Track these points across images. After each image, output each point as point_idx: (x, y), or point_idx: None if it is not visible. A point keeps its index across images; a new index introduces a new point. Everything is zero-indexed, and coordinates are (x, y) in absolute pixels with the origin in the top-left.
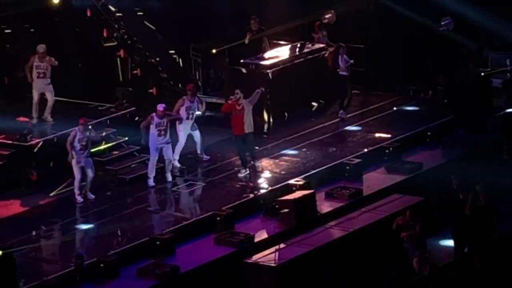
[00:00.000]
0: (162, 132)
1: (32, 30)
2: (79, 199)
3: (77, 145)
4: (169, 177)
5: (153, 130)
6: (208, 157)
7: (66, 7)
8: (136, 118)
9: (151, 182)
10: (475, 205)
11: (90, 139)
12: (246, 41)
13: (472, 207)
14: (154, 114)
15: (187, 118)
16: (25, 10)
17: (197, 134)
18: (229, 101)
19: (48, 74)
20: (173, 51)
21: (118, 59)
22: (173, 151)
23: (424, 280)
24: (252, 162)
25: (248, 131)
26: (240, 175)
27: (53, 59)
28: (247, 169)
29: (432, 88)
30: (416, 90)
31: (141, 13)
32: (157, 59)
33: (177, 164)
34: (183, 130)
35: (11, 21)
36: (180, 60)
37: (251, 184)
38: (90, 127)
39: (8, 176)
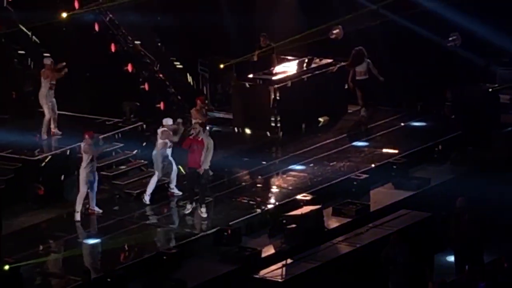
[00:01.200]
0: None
1: (39, 44)
2: (78, 217)
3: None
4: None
5: (161, 145)
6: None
7: (74, 21)
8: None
9: (147, 200)
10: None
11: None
12: (255, 58)
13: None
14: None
15: None
16: (33, 25)
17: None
18: (190, 137)
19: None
20: (180, 66)
21: (126, 74)
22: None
23: None
24: (199, 203)
25: (204, 167)
26: (185, 211)
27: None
28: (194, 204)
29: (439, 104)
30: (423, 106)
31: (148, 28)
32: (165, 74)
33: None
34: None
35: (19, 36)
36: (188, 75)
37: (258, 199)
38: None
39: (15, 190)
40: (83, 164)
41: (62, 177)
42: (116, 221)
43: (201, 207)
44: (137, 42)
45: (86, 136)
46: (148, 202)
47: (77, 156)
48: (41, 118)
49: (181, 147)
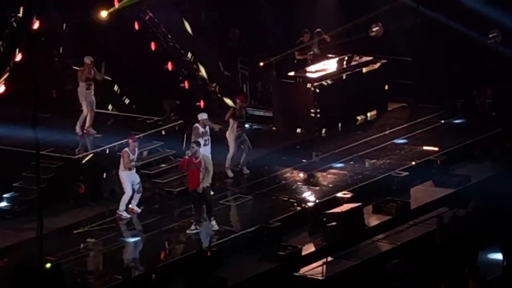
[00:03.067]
0: (207, 142)
1: (79, 43)
2: (125, 214)
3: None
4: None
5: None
6: (248, 171)
7: (114, 20)
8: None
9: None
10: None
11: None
12: (299, 57)
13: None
14: (197, 124)
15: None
16: (73, 24)
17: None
18: (186, 157)
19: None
20: (221, 64)
21: (166, 72)
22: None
23: None
24: (208, 217)
25: (205, 185)
26: (189, 231)
27: (99, 73)
28: (198, 226)
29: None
30: (463, 103)
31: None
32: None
33: (230, 173)
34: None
35: (59, 35)
36: (228, 73)
37: (298, 197)
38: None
39: (56, 189)
40: (121, 166)
41: (104, 175)
42: (156, 219)
43: (211, 221)
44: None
45: (130, 141)
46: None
47: (117, 155)
48: None
49: (179, 167)
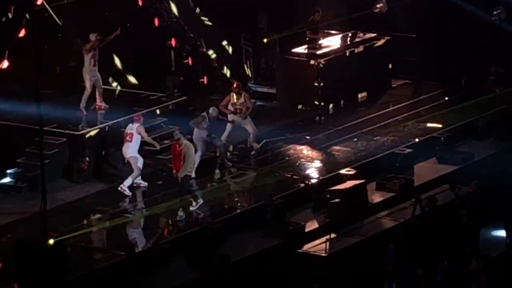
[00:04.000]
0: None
1: (83, 19)
2: (128, 191)
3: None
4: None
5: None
6: (258, 146)
7: None
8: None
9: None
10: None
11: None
12: (311, 36)
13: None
14: (206, 114)
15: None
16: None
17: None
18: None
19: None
20: (224, 41)
21: (169, 48)
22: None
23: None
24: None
25: (182, 175)
26: (192, 208)
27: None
28: (199, 201)
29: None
30: (467, 80)
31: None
32: (208, 48)
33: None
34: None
35: (62, 10)
36: (231, 50)
37: (302, 174)
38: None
39: (59, 165)
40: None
41: (107, 151)
42: (160, 196)
43: (178, 210)
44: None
45: (135, 118)
46: (193, 176)
47: (120, 131)
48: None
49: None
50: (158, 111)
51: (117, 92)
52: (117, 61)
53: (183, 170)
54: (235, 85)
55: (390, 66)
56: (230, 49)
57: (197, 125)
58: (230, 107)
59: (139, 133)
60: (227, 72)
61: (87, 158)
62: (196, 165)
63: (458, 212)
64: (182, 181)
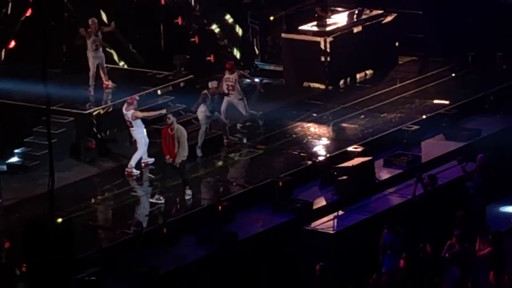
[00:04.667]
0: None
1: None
2: (135, 171)
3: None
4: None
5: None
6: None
7: None
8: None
9: (199, 152)
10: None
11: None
12: (321, 13)
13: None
14: (207, 90)
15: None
16: None
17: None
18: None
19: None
20: (231, 18)
21: (176, 27)
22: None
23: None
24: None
25: (179, 160)
26: (187, 197)
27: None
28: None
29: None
30: (474, 56)
31: None
32: (215, 26)
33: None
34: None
35: None
36: (238, 27)
37: (309, 151)
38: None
39: (67, 144)
40: (138, 125)
41: (114, 130)
42: (167, 174)
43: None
44: None
45: (129, 101)
46: (200, 155)
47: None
48: None
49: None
50: (159, 92)
51: (122, 71)
52: (123, 39)
53: (179, 157)
54: (227, 65)
55: (397, 44)
56: (238, 28)
57: (197, 107)
58: (224, 86)
59: (136, 118)
60: (236, 52)
61: (94, 137)
62: (201, 142)
63: (466, 187)
64: (180, 167)
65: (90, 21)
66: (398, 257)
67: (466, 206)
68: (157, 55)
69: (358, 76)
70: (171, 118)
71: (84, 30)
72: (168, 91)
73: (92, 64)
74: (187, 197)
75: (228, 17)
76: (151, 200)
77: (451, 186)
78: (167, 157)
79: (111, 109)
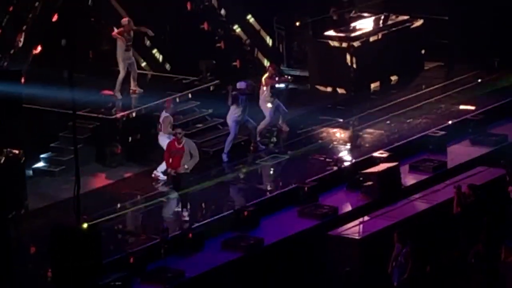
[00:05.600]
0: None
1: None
2: (162, 176)
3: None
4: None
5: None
6: (288, 129)
7: None
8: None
9: (225, 157)
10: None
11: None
12: (335, 17)
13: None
14: (237, 93)
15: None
16: None
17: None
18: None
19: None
20: (257, 24)
21: (202, 32)
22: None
23: None
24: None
25: (182, 171)
26: (185, 212)
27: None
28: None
29: None
30: (500, 62)
31: None
32: (241, 31)
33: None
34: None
35: None
36: (264, 33)
37: (335, 156)
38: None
39: (93, 149)
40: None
41: (140, 135)
42: (193, 179)
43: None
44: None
45: (166, 105)
46: (226, 160)
47: (153, 115)
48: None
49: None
50: (190, 95)
51: (148, 76)
52: (149, 45)
53: (184, 168)
54: (271, 68)
55: (423, 51)
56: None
57: (231, 104)
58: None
59: (163, 123)
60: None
61: (120, 143)
62: (228, 148)
63: (507, 191)
64: (182, 179)
65: (124, 20)
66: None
67: (503, 211)
68: (183, 61)
69: (383, 81)
70: (181, 132)
71: (117, 32)
72: (194, 96)
73: (122, 67)
74: (184, 218)
75: (254, 22)
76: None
77: (491, 193)
78: (169, 170)
79: (136, 114)
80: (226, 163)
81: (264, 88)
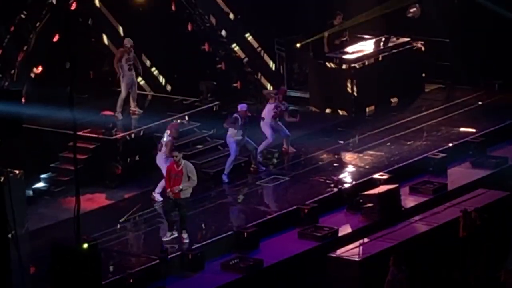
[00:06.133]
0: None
1: (117, 24)
2: (159, 197)
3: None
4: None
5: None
6: (294, 150)
7: (151, 1)
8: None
9: (225, 178)
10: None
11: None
12: (326, 34)
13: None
14: (237, 115)
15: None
16: (111, 4)
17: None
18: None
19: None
20: (257, 45)
21: (203, 53)
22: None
23: None
24: (181, 229)
25: (183, 196)
26: (165, 238)
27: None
28: (174, 232)
29: None
30: (501, 85)
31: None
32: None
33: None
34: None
35: (96, 15)
36: (265, 54)
37: (335, 178)
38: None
39: (93, 169)
40: (163, 152)
41: (140, 156)
42: (193, 200)
43: (182, 233)
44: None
45: (169, 132)
46: (226, 181)
47: (154, 135)
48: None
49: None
50: (186, 118)
51: (149, 97)
52: (150, 65)
53: (184, 193)
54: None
55: (423, 75)
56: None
57: (230, 126)
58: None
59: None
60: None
61: (120, 163)
62: (229, 169)
63: None
64: (179, 205)
65: (126, 41)
66: None
67: (505, 234)
68: (183, 81)
69: (384, 103)
70: (178, 155)
71: (119, 51)
72: (195, 117)
73: (124, 87)
74: (166, 238)
75: (254, 42)
76: (164, 238)
77: (494, 216)
78: (168, 191)
79: (136, 135)
80: (226, 184)
81: (271, 109)
